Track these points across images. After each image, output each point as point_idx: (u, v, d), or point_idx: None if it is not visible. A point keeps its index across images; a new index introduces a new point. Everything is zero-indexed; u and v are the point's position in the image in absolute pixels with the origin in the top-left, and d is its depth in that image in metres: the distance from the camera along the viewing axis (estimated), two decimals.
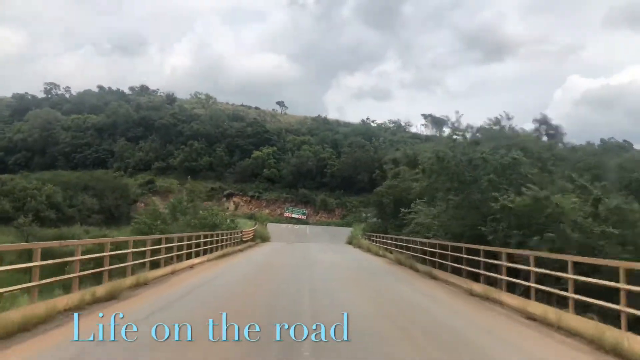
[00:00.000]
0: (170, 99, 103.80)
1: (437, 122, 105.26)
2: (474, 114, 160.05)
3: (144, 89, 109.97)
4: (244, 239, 31.46)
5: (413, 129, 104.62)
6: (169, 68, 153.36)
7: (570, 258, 9.40)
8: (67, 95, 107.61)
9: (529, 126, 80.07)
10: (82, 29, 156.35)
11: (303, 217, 68.29)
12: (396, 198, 31.57)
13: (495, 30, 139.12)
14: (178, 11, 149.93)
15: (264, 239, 37.39)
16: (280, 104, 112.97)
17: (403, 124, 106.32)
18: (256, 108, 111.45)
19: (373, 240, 33.23)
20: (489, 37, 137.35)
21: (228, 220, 30.69)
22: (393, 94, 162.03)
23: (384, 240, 28.84)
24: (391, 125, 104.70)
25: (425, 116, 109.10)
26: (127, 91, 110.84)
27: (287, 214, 68.69)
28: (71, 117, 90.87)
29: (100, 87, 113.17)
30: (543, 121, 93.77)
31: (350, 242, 38.66)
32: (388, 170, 52.15)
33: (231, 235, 27.82)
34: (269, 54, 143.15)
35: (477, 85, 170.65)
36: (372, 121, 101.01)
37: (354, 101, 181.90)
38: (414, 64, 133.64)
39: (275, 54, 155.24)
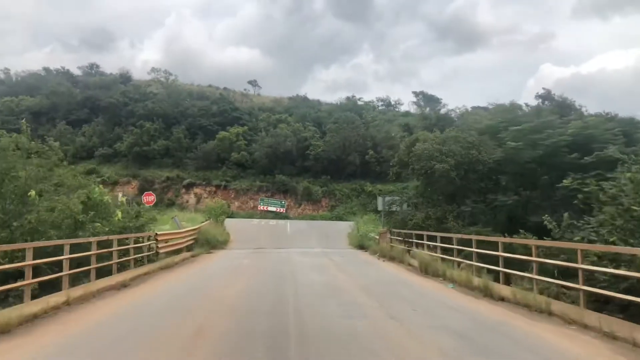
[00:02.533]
0: (125, 77, 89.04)
1: (429, 99, 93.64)
2: (451, 103, 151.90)
3: (93, 68, 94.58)
4: (170, 248, 18.24)
5: (404, 107, 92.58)
6: (140, 63, 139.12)
7: None
8: (2, 76, 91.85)
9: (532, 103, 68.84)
10: (49, 26, 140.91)
11: (282, 209, 55.18)
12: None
13: (467, 20, 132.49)
14: (148, 5, 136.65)
15: (220, 244, 24.06)
16: (253, 83, 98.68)
17: (393, 103, 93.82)
18: (225, 88, 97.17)
19: (414, 245, 19.95)
20: (460, 28, 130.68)
21: (119, 213, 16.77)
22: (369, 86, 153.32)
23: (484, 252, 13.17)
24: (379, 103, 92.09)
25: (416, 94, 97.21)
26: (77, 72, 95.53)
27: (261, 207, 55.45)
28: (2, 100, 75.81)
29: (47, 70, 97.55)
30: (547, 97, 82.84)
31: (361, 246, 25.73)
32: (401, 140, 39.80)
33: (133, 245, 14.62)
34: (241, 47, 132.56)
35: (450, 75, 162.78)
36: (359, 99, 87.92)
37: (329, 94, 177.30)
38: (388, 56, 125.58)
39: (248, 47, 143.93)
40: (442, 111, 73.96)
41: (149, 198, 37.32)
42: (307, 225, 41.43)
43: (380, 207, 28.65)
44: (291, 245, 25.96)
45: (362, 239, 26.44)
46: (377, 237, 25.00)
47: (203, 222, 25.53)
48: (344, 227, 34.71)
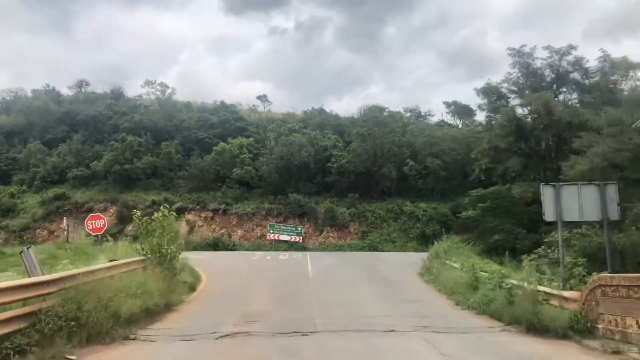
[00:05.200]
0: (116, 94, 77.99)
1: (461, 110, 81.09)
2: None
3: (82, 85, 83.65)
4: None
5: (435, 118, 79.89)
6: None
7: None
8: None
9: None
10: (64, 65, 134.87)
11: (298, 238, 42.17)
12: None
13: (477, 48, 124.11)
14: (163, 43, 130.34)
15: (142, 317, 9.63)
16: (262, 98, 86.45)
17: (423, 113, 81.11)
18: (231, 105, 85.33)
19: None
20: (470, 55, 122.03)
21: None
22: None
23: None
24: (408, 114, 79.44)
25: (448, 104, 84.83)
26: (65, 91, 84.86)
27: (271, 236, 42.53)
28: None
29: (35, 91, 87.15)
30: None
31: (513, 317, 10.19)
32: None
33: None
34: (254, 81, 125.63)
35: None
36: (385, 109, 75.17)
37: None
38: (399, 86, 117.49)
39: (261, 81, 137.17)
40: None
41: (97, 223, 24.76)
42: (338, 259, 27.67)
43: (551, 215, 10.87)
44: (322, 307, 12.19)
45: (504, 295, 11.22)
46: (578, 295, 9.88)
47: (112, 260, 12.00)
48: (404, 263, 21.95)
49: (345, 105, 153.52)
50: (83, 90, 79.95)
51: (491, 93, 23.00)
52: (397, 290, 15.50)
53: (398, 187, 46.37)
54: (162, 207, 14.39)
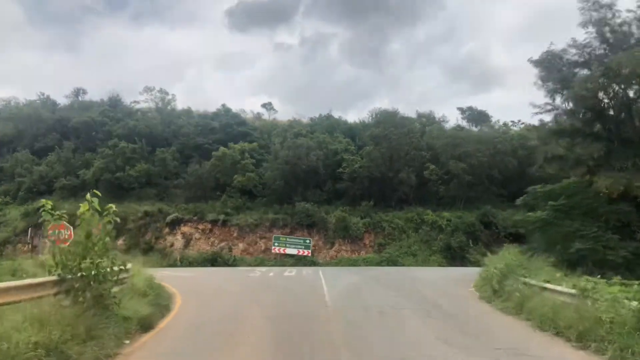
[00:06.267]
0: (113, 101, 74.03)
1: (477, 115, 76.50)
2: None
3: (79, 94, 79.89)
4: None
5: (450, 124, 75.11)
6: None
7: None
8: None
9: None
10: (69, 83, 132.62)
11: (306, 252, 37.40)
12: None
13: (481, 61, 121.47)
14: (168, 59, 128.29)
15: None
16: (267, 106, 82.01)
17: (437, 119, 76.45)
18: (234, 113, 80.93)
19: None
20: (474, 69, 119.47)
21: None
22: None
23: None
24: (422, 119, 74.79)
25: (462, 110, 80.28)
26: (62, 100, 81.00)
27: (276, 249, 37.80)
28: None
29: (29, 101, 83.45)
30: None
31: None
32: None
33: None
34: (260, 96, 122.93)
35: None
36: (397, 114, 70.48)
37: None
38: (405, 100, 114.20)
39: (267, 96, 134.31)
40: None
41: (62, 234, 20.18)
42: (361, 277, 22.20)
43: None
44: None
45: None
46: None
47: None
48: (449, 282, 17.22)
49: (350, 119, 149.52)
50: (80, 98, 75.99)
51: (554, 62, 18.61)
52: (470, 328, 10.29)
53: (417, 194, 41.59)
54: (87, 196, 9.62)
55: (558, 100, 18.25)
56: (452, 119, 72.31)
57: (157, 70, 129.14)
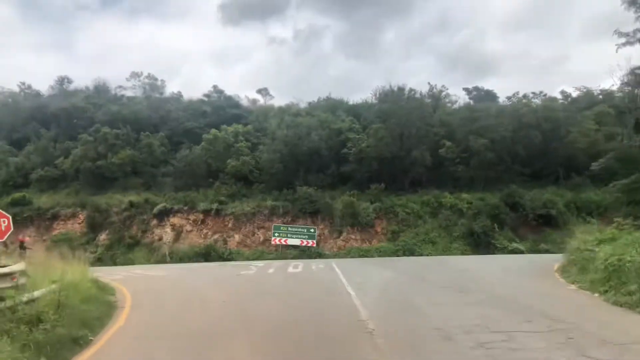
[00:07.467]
0: (101, 90, 69.28)
1: (484, 94, 72.07)
2: None
3: (64, 82, 75.06)
4: None
5: (457, 104, 70.66)
6: None
7: None
8: None
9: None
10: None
11: (311, 242, 33.15)
12: None
13: (475, 50, 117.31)
14: (161, 55, 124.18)
15: None
16: (263, 92, 76.60)
17: (442, 97, 71.90)
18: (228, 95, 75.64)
19: None
20: (469, 57, 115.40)
21: None
22: None
23: None
24: (428, 100, 70.30)
25: (468, 91, 75.83)
26: (47, 91, 76.19)
27: (276, 240, 33.55)
28: None
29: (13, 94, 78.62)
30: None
31: None
32: None
33: None
34: (255, 90, 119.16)
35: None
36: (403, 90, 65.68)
37: None
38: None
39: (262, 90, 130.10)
40: None
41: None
42: (393, 272, 17.33)
43: None
44: None
45: None
46: None
47: None
48: (522, 274, 12.98)
49: (352, 102, 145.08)
50: (65, 87, 71.07)
51: None
52: None
53: (432, 175, 37.26)
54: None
55: None
56: (459, 101, 67.85)
57: (149, 66, 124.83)
